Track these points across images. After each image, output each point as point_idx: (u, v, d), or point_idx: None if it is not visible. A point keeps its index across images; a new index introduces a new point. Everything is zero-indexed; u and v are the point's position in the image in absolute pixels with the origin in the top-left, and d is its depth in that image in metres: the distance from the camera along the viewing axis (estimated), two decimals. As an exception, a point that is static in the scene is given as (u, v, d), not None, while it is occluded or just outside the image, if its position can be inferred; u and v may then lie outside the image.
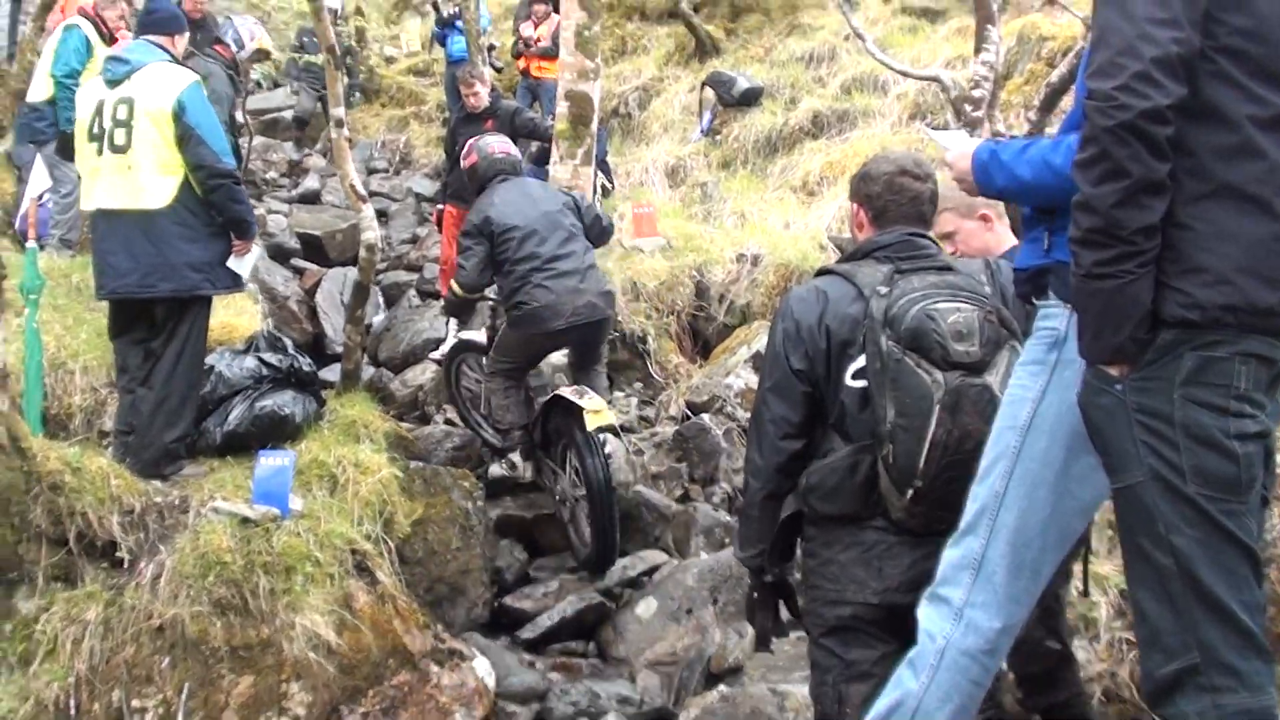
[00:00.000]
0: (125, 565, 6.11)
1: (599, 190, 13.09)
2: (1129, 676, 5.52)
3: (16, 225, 9.20)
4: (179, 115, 6.88)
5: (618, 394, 10.71)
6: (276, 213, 15.67)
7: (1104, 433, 3.27)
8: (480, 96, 12.40)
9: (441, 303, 10.25)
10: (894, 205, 4.48)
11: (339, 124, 8.75)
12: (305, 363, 7.74)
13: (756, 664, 6.75)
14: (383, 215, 15.96)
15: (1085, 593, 5.21)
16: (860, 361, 4.21)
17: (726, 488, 9.14)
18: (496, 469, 8.98)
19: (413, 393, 10.97)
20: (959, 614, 3.76)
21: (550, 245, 8.53)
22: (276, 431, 7.34)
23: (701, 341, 12.36)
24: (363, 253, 8.50)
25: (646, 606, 7.50)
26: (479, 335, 9.75)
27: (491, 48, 18.86)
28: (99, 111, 7.01)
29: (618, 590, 7.89)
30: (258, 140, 17.59)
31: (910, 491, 4.02)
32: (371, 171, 18.90)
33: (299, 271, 13.87)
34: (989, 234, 5.37)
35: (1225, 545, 3.09)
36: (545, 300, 8.37)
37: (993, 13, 10.44)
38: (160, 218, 6.91)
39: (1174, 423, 3.10)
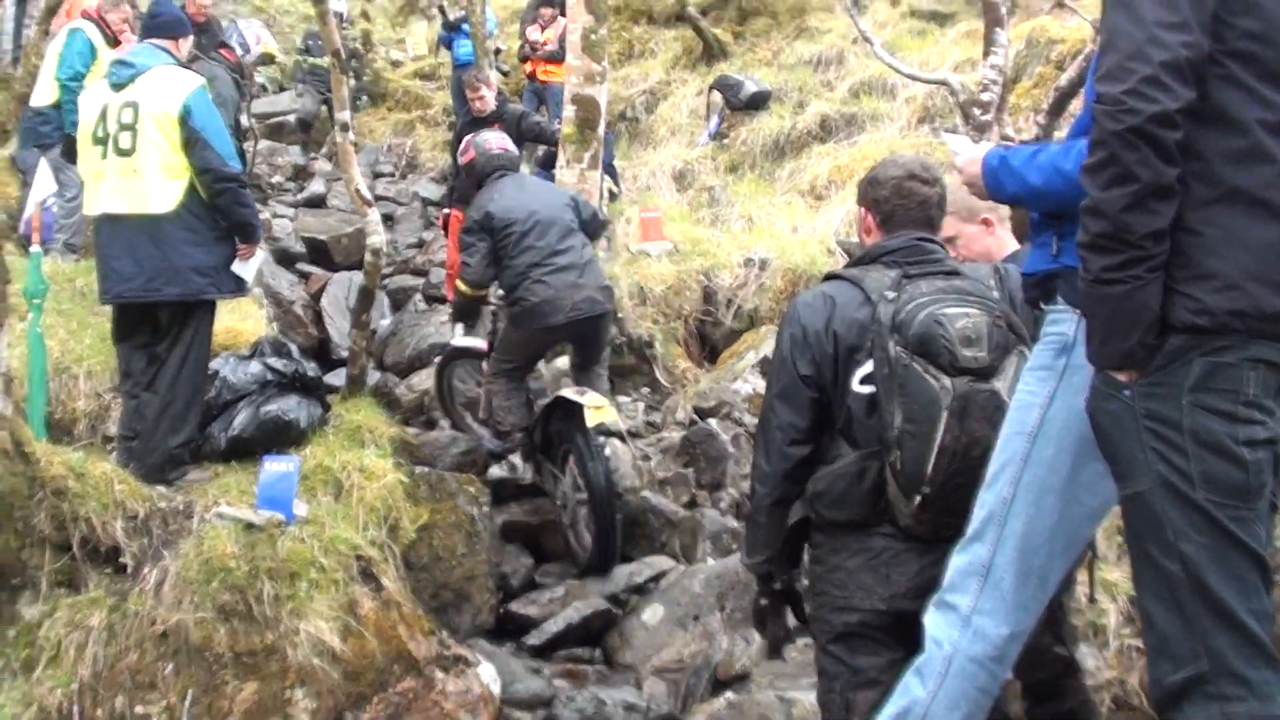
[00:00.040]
0: (129, 571, 6.09)
1: (606, 194, 13.06)
2: (1138, 684, 5.51)
3: (20, 229, 9.18)
4: (184, 119, 6.88)
5: (624, 399, 10.69)
6: (282, 217, 15.66)
7: (1112, 439, 3.25)
8: (486, 100, 12.42)
9: (449, 308, 10.22)
10: (902, 210, 4.47)
11: (344, 128, 8.73)
12: (310, 368, 7.73)
13: (764, 671, 6.72)
14: (389, 219, 15.96)
15: (1092, 599, 5.19)
16: (868, 367, 4.20)
17: (734, 493, 9.11)
18: (496, 470, 9.00)
19: (418, 398, 10.94)
20: (966, 621, 3.75)
21: (550, 240, 8.58)
22: (281, 437, 7.32)
23: (709, 346, 12.35)
24: (368, 257, 8.48)
25: (653, 613, 7.47)
26: (477, 342, 9.76)
27: (498, 51, 18.89)
28: (103, 115, 7.00)
29: (624, 596, 7.86)
30: (263, 144, 17.61)
31: (918, 498, 4.01)
32: (377, 175, 18.88)
33: (304, 276, 13.87)
34: (990, 238, 5.35)
35: (1234, 552, 3.07)
36: (545, 295, 8.41)
37: (1001, 16, 10.44)
38: (165, 222, 6.90)
39: (1183, 429, 3.08)
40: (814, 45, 19.47)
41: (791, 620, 4.73)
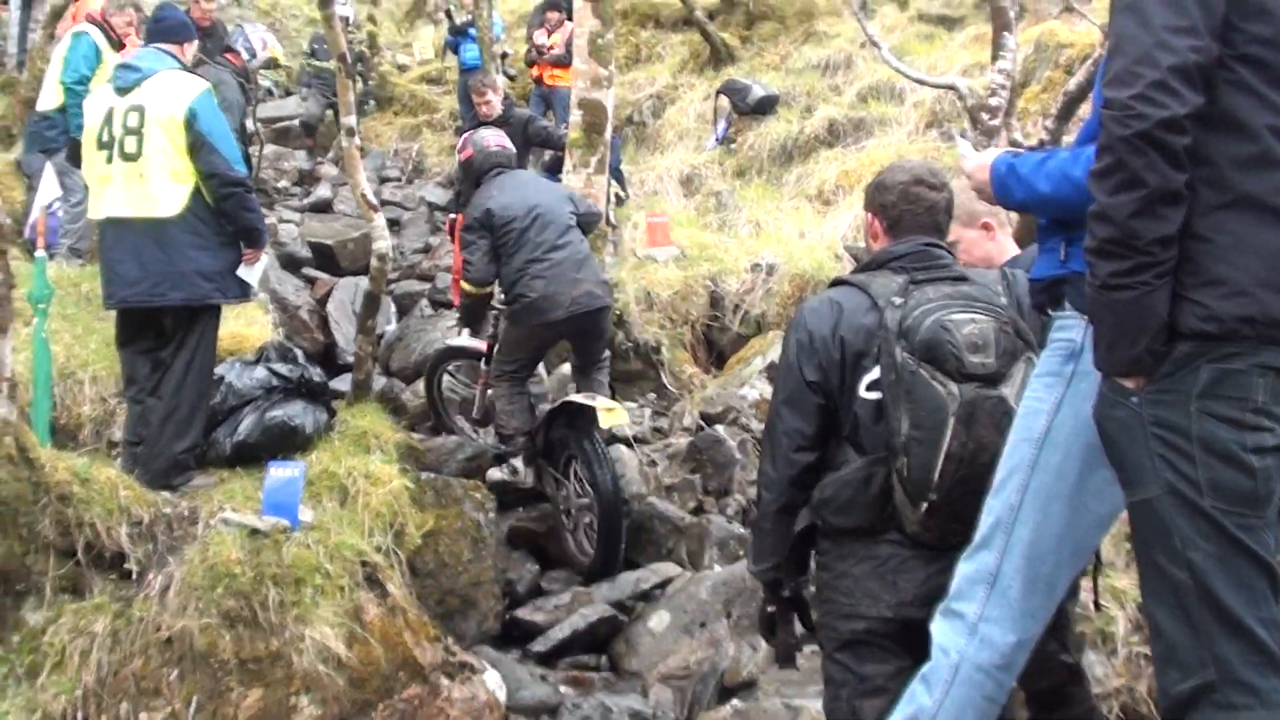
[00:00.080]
0: (134, 577, 6.08)
1: (612, 199, 13.05)
2: (1147, 692, 5.48)
3: (26, 234, 9.18)
4: (191, 123, 6.89)
5: (630, 404, 10.67)
6: (288, 221, 15.63)
7: (1119, 446, 3.23)
8: (493, 105, 12.41)
9: (455, 313, 10.24)
10: (909, 215, 4.46)
11: (350, 132, 8.74)
12: (316, 373, 7.70)
13: (770, 678, 6.70)
14: (395, 224, 15.91)
15: (1097, 606, 5.17)
16: (875, 373, 4.18)
17: (741, 500, 9.10)
18: (496, 473, 8.98)
19: (425, 403, 10.92)
20: (973, 629, 3.74)
21: (548, 236, 8.64)
22: (287, 442, 7.30)
23: (716, 352, 12.35)
24: (374, 262, 8.47)
25: (659, 619, 7.45)
26: (472, 342, 9.82)
27: (505, 55, 18.92)
28: (108, 119, 7.00)
29: (630, 603, 7.83)
30: (269, 149, 17.60)
31: (925, 505, 3.99)
32: (384, 180, 18.86)
33: (310, 281, 13.85)
34: (991, 243, 5.34)
35: (1242, 560, 3.05)
36: (544, 291, 8.46)
37: (1010, 20, 10.41)
38: (171, 226, 6.90)
39: (1190, 436, 3.06)
40: (822, 50, 19.47)
41: (798, 628, 4.71)
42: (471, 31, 18.04)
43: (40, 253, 7.55)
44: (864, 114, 16.95)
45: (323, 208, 16.84)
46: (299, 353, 7.80)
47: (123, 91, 7.01)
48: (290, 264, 14.03)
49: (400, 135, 20.77)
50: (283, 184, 17.98)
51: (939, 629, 3.84)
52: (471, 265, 8.77)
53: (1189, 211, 3.04)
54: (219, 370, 7.37)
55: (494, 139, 9.37)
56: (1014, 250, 5.37)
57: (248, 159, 9.67)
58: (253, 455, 7.17)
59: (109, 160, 6.97)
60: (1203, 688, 3.07)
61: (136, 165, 6.90)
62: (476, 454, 9.23)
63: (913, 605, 4.11)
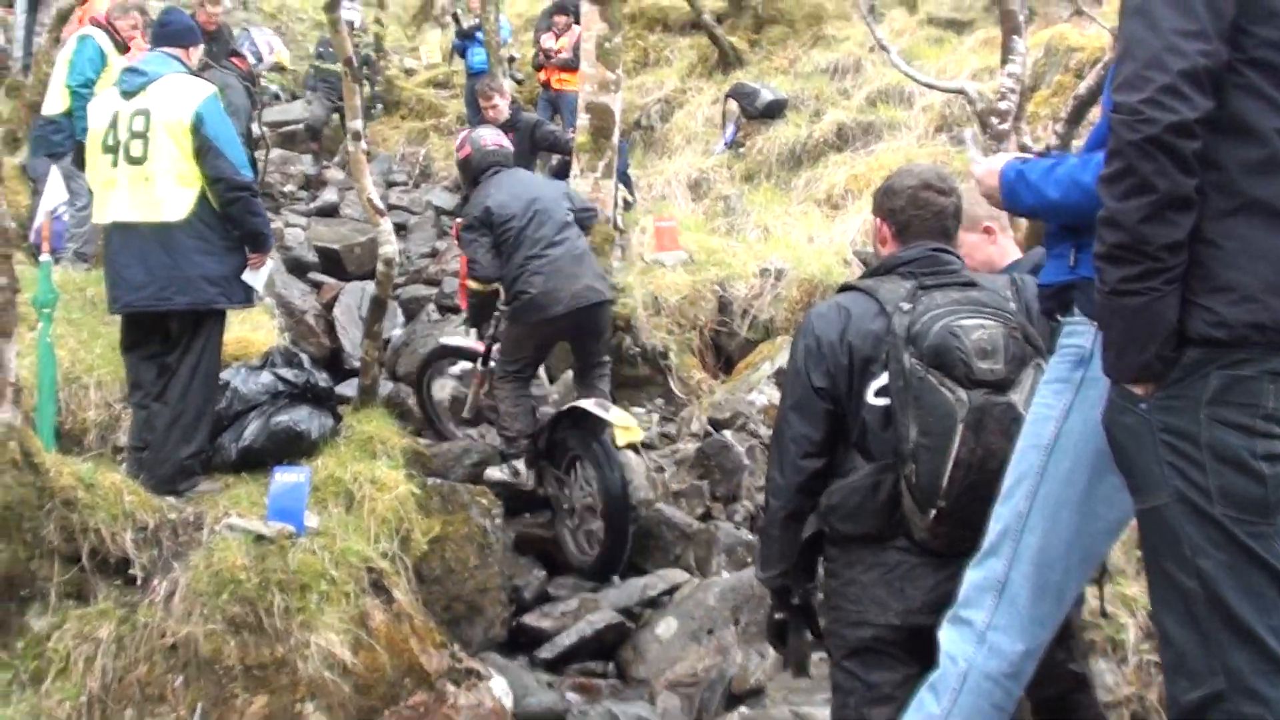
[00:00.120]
0: (138, 582, 6.09)
1: (620, 203, 13.03)
2: (1157, 700, 5.47)
3: (31, 238, 9.18)
4: (197, 127, 6.88)
5: (638, 410, 10.66)
6: (294, 226, 15.59)
7: (1128, 453, 3.22)
8: (500, 109, 12.42)
9: (464, 315, 10.26)
10: (917, 220, 4.45)
11: (356, 137, 8.75)
12: (322, 378, 7.71)
13: (778, 686, 6.70)
14: (402, 229, 15.90)
15: (1104, 613, 5.15)
16: (883, 379, 4.17)
17: (749, 506, 9.09)
18: (496, 473, 8.96)
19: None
20: (981, 636, 3.71)
21: (546, 232, 8.69)
22: (292, 447, 7.29)
23: (724, 357, 12.33)
24: (380, 267, 8.48)
25: (667, 626, 7.43)
26: (468, 341, 9.89)
27: (512, 59, 18.90)
28: (114, 123, 6.99)
29: (638, 609, 7.83)
30: (275, 153, 17.58)
31: (933, 511, 3.97)
32: (390, 184, 18.84)
33: (317, 285, 13.79)
34: (992, 247, 5.34)
35: (1252, 568, 3.03)
36: (544, 287, 8.51)
37: (1019, 24, 10.37)
38: (177, 230, 6.90)
39: (1200, 443, 3.04)
40: (830, 53, 19.46)
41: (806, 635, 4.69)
42: (479, 35, 18.06)
43: (45, 257, 7.54)
44: (873, 118, 16.92)
45: (329, 212, 16.80)
46: (305, 358, 7.82)
47: (128, 95, 7.01)
48: (296, 268, 13.99)
49: (407, 139, 20.76)
50: (289, 188, 17.96)
51: (947, 637, 3.81)
52: (477, 263, 8.82)
53: (1198, 216, 3.02)
54: (225, 375, 7.37)
55: (491, 138, 9.42)
56: (1016, 254, 5.39)
57: (254, 163, 9.67)
58: (258, 461, 7.16)
59: (114, 164, 6.96)
60: (1212, 697, 3.04)
61: (142, 169, 6.89)
62: (483, 459, 9.23)
63: (921, 613, 4.09)
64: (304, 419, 7.40)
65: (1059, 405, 3.58)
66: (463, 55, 19.27)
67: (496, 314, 9.30)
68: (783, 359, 10.58)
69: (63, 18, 12.48)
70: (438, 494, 7.58)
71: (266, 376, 7.42)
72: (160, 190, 6.87)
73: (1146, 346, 3.05)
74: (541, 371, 9.72)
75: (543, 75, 17.48)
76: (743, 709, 6.57)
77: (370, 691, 6.16)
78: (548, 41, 17.15)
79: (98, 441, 7.58)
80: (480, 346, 9.59)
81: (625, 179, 14.41)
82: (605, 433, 8.31)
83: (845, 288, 4.59)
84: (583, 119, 12.20)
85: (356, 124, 8.77)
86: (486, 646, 7.38)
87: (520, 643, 7.67)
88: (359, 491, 7.04)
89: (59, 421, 7.31)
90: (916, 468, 3.97)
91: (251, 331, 8.93)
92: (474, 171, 9.21)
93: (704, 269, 12.69)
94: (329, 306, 13.13)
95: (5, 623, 5.81)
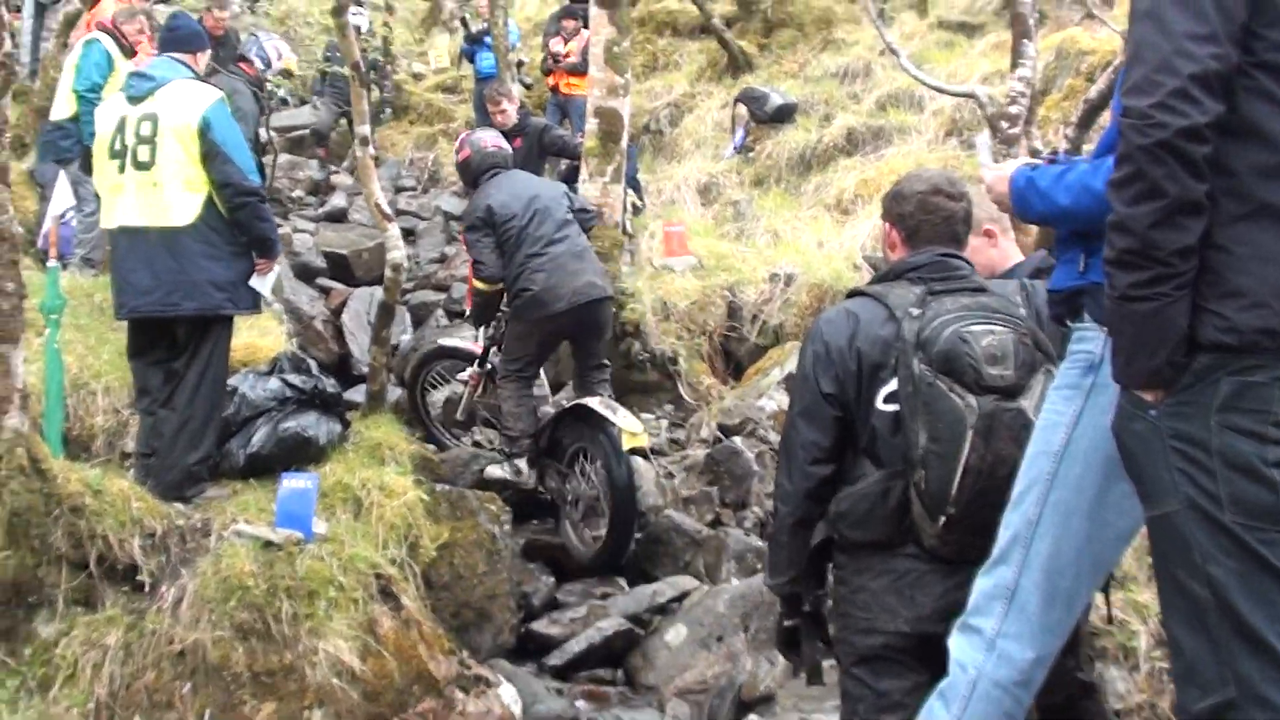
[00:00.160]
0: (146, 589, 6.11)
1: (629, 208, 13.02)
2: (1169, 708, 5.43)
3: (39, 244, 9.18)
4: (204, 132, 6.88)
5: (647, 416, 10.66)
6: (303, 231, 15.61)
7: (1138, 459, 3.19)
8: (508, 114, 12.42)
9: (468, 312, 10.30)
10: (927, 225, 4.43)
11: (364, 142, 8.78)
12: (330, 384, 7.72)
13: (788, 693, 6.67)
14: (410, 234, 15.92)
15: (1110, 620, 5.14)
16: (892, 385, 4.15)
17: (759, 512, 9.08)
18: (496, 471, 9.02)
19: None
20: (991, 644, 3.71)
21: (546, 230, 8.78)
22: (300, 454, 7.29)
23: (733, 362, 12.32)
24: (388, 272, 8.48)
25: (676, 633, 7.42)
26: (464, 343, 9.97)
27: (520, 64, 18.92)
28: (120, 128, 6.98)
29: (647, 616, 7.80)
30: (283, 158, 17.63)
31: (943, 518, 3.95)
32: (399, 189, 18.85)
33: (325, 291, 13.83)
34: (993, 250, 5.32)
35: (1264, 576, 2.99)
36: (545, 283, 8.58)
37: (1029, 27, 10.35)
38: (184, 235, 6.89)
39: (1211, 450, 3.01)
40: (840, 57, 19.44)
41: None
42: (487, 40, 18.07)
43: (53, 263, 7.54)
44: (883, 122, 16.89)
45: (338, 217, 16.83)
46: (313, 364, 7.82)
47: (135, 100, 7.00)
48: (305, 274, 14.01)
49: (416, 144, 20.76)
50: (297, 193, 17.99)
51: (956, 644, 3.81)
52: (482, 264, 8.87)
53: (1209, 221, 2.99)
54: (232, 381, 7.36)
55: (491, 139, 9.47)
56: (1017, 257, 5.38)
57: (261, 169, 9.68)
58: (266, 467, 7.14)
59: (121, 169, 6.95)
60: (1223, 705, 3.02)
61: (150, 174, 6.88)
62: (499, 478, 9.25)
63: (930, 620, 4.06)
64: (312, 425, 7.39)
65: (1069, 411, 3.57)
66: (471, 60, 19.28)
67: (497, 317, 9.36)
68: (792, 364, 10.57)
69: (70, 23, 12.48)
70: (446, 500, 7.56)
71: (274, 382, 7.42)
72: (167, 195, 6.87)
73: (1156, 352, 3.03)
74: (542, 374, 9.71)
75: (551, 80, 17.49)
76: (752, 716, 6.55)
77: (378, 698, 6.15)
78: (556, 46, 17.15)
79: (105, 448, 7.57)
80: (478, 348, 9.65)
81: (634, 184, 14.40)
82: (612, 426, 8.34)
83: (854, 293, 4.57)
84: (591, 123, 12.19)
85: (364, 129, 8.79)
86: (495, 653, 7.36)
87: (529, 649, 7.65)
88: (367, 498, 7.03)
89: (66, 428, 7.30)
90: (926, 474, 3.95)
91: (259, 337, 8.92)
92: (474, 173, 9.27)
93: (713, 274, 12.69)
94: (337, 312, 13.16)
95: (13, 629, 5.84)
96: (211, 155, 6.89)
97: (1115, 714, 5.44)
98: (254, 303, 7.27)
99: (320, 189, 18.33)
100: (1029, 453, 3.70)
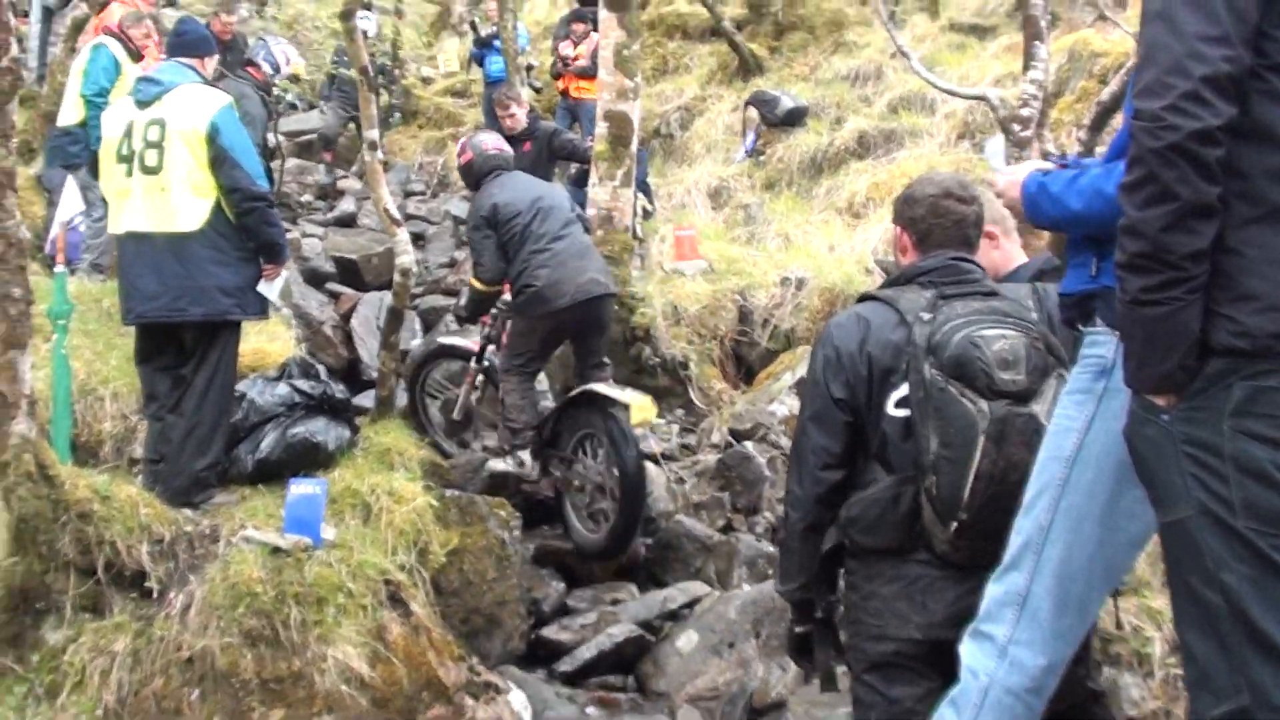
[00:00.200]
0: (154, 595, 6.10)
1: (639, 212, 13.01)
2: (1183, 715, 5.39)
3: (46, 249, 9.18)
4: (212, 137, 6.88)
5: (658, 421, 10.65)
6: (311, 236, 15.63)
7: (1150, 465, 3.17)
8: (517, 119, 12.41)
9: (459, 303, 10.34)
10: (938, 229, 4.41)
11: (372, 146, 8.80)
12: (338, 389, 7.71)
13: (800, 700, 6.64)
14: (420, 239, 15.93)
15: (1119, 625, 5.12)
16: (903, 390, 4.14)
17: (770, 517, 9.08)
18: (499, 464, 9.05)
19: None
20: (1003, 651, 3.69)
21: (551, 227, 8.82)
22: (309, 459, 7.29)
23: (744, 367, 12.31)
24: (397, 277, 8.49)
25: (687, 639, 7.40)
26: (463, 341, 10.01)
27: (530, 67, 18.88)
28: (128, 133, 6.98)
29: (658, 622, 7.79)
30: (292, 162, 17.61)
31: (954, 524, 3.93)
32: (409, 194, 18.88)
33: (334, 296, 13.79)
34: (995, 252, 5.29)
35: (1277, 582, 2.96)
36: (549, 279, 8.60)
37: (1041, 30, 10.34)
38: (192, 240, 6.89)
39: (1223, 455, 2.98)
40: (852, 60, 19.44)
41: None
42: (496, 43, 18.09)
43: (60, 268, 7.53)
44: (894, 125, 16.88)
45: (347, 222, 16.82)
46: (321, 369, 7.82)
47: (143, 105, 7.00)
48: (314, 279, 14.01)
49: (425, 149, 20.77)
50: (306, 198, 18.00)
51: (968, 651, 3.79)
52: (482, 264, 8.94)
53: (1221, 225, 2.96)
54: (241, 387, 7.36)
55: (492, 142, 9.50)
56: (1021, 258, 5.36)
57: (270, 174, 9.67)
58: (275, 472, 7.14)
59: (129, 174, 6.95)
60: (1237, 712, 2.99)
61: (157, 179, 6.88)
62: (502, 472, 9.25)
63: (942, 626, 4.05)
64: (321, 430, 7.39)
65: (1081, 416, 3.54)
66: (480, 63, 19.31)
67: (494, 312, 9.43)
68: (804, 369, 10.51)
69: (77, 28, 12.52)
70: (455, 506, 7.55)
71: (283, 388, 7.42)
72: (175, 200, 6.87)
73: (1168, 357, 3.00)
74: (543, 374, 9.73)
75: (561, 83, 17.44)
76: (764, 723, 6.55)
77: (388, 705, 6.15)
78: (565, 49, 17.09)
79: (113, 454, 7.56)
80: (475, 346, 9.71)
81: (644, 187, 14.38)
82: (618, 411, 8.39)
83: (865, 297, 4.55)
84: (601, 127, 12.15)
85: (372, 133, 8.82)
86: (505, 659, 7.34)
87: (539, 656, 7.62)
88: (376, 503, 7.02)
89: (74, 434, 7.29)
90: (937, 480, 3.94)
91: (268, 342, 8.92)
92: (476, 176, 9.29)
93: (724, 278, 12.68)
94: (346, 317, 13.13)
95: (21, 636, 5.84)
96: (219, 160, 6.88)
97: (1129, 721, 5.42)
98: (262, 308, 7.27)
99: (329, 194, 18.34)
100: (1040, 458, 3.67)
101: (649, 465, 8.70)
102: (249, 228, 7.00)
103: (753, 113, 17.94)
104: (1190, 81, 2.88)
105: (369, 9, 19.05)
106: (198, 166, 6.88)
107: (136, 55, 10.71)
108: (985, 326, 4.01)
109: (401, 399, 10.18)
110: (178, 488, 6.78)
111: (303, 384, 7.46)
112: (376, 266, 14.67)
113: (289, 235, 8.24)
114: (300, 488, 6.54)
